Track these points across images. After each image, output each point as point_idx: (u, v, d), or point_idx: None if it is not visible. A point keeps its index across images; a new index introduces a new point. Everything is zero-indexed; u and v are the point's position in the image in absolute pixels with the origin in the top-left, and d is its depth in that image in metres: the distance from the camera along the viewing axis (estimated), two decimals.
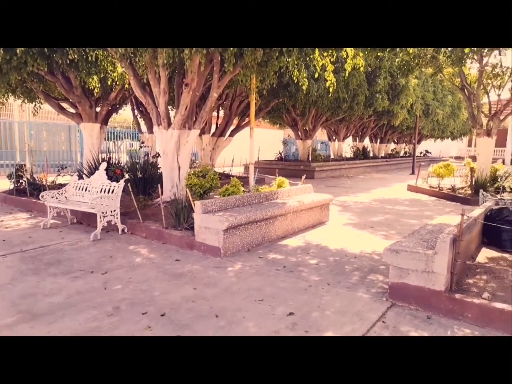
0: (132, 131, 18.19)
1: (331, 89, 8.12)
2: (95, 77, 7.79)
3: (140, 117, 12.85)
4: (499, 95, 10.54)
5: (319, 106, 14.16)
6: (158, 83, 6.66)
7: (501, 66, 10.61)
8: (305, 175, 7.49)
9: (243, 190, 6.93)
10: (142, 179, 7.73)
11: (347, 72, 7.88)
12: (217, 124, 13.90)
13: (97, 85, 8.40)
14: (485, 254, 4.25)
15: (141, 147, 11.28)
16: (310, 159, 17.44)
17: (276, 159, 19.63)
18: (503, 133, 35.51)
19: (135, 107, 12.41)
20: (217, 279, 3.96)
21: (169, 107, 11.91)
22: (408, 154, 31.27)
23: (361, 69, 7.67)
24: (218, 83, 6.92)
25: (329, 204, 7.01)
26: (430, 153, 34.30)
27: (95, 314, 3.15)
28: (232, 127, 14.03)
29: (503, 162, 15.11)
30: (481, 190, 5.63)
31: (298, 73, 7.61)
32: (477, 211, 4.42)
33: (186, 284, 3.82)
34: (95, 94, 9.07)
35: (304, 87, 8.38)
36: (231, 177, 12.12)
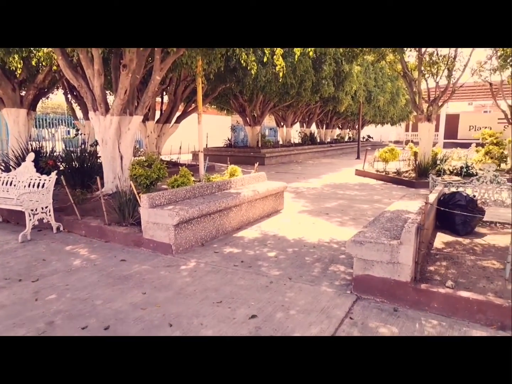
0: (67, 117, 16.70)
1: (280, 74, 7.87)
2: (16, 56, 6.79)
3: (75, 102, 11.71)
4: (437, 82, 10.99)
5: (267, 92, 13.91)
6: (92, 64, 5.94)
7: (437, 54, 11.06)
8: (258, 163, 7.22)
9: (193, 180, 6.51)
10: (79, 170, 6.98)
11: (296, 56, 7.65)
12: (161, 110, 13.14)
13: (19, 66, 7.38)
14: (441, 239, 4.30)
15: (76, 134, 10.28)
16: (259, 146, 17.25)
17: (225, 145, 19.20)
18: (436, 119, 38.18)
19: (68, 91, 11.26)
20: (169, 280, 3.58)
21: (108, 92, 11.02)
22: (352, 139, 32.35)
23: (310, 53, 7.48)
24: (160, 65, 6.35)
25: (283, 192, 6.83)
26: (372, 138, 35.77)
27: (23, 333, 2.65)
28: (178, 113, 13.35)
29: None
30: (431, 174, 5.75)
31: (246, 56, 7.24)
32: (432, 196, 4.44)
33: (133, 288, 3.40)
34: (17, 76, 7.99)
35: (252, 71, 8.04)
36: (179, 166, 11.55)
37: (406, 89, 28.42)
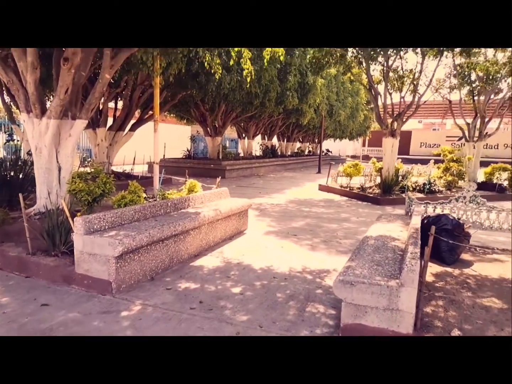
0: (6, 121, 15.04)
1: (248, 79, 7.27)
2: None
3: (12, 102, 10.36)
4: (403, 97, 10.94)
5: (231, 101, 13.30)
6: (25, 55, 4.99)
7: (402, 68, 11.06)
8: (219, 177, 6.51)
9: (145, 197, 5.67)
10: (8, 183, 5.89)
11: (265, 60, 7.08)
12: (114, 116, 12.08)
13: None
14: (428, 270, 3.81)
15: (8, 140, 9.00)
16: (220, 157, 16.52)
17: (184, 157, 18.28)
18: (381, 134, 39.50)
19: (4, 89, 9.93)
20: (104, 336, 2.75)
21: (48, 93, 9.81)
22: (312, 153, 32.52)
23: (281, 57, 6.95)
24: (111, 61, 5.51)
25: (247, 210, 6.16)
26: (331, 152, 36.30)
27: None
28: (133, 121, 12.36)
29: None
30: (407, 194, 5.35)
31: (210, 58, 6.57)
32: (416, 220, 3.96)
33: None
34: None
35: (217, 76, 7.39)
36: (132, 178, 10.57)
37: (365, 105, 29.25)
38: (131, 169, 12.48)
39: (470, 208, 4.94)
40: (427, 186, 10.20)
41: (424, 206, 5.14)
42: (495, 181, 11.87)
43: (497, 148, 34.37)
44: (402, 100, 10.95)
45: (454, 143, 38.30)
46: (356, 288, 2.51)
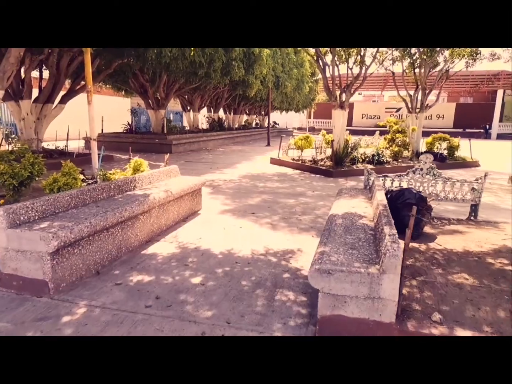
0: None
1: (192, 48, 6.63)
2: None
3: None
4: (351, 68, 10.87)
5: (173, 71, 12.38)
6: None
7: None
8: (168, 154, 5.95)
9: (84, 178, 5.01)
10: None
11: None
12: (40, 87, 10.72)
13: None
14: None
15: None
16: (165, 131, 15.59)
17: (125, 131, 17.03)
18: (325, 106, 40.29)
19: None
20: None
21: None
22: (259, 125, 32.23)
23: None
24: None
25: (201, 189, 5.73)
26: (278, 124, 36.23)
27: None
28: (63, 92, 11.06)
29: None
30: (366, 167, 5.23)
31: None
32: (380, 195, 3.83)
33: None
34: None
35: None
36: (67, 156, 9.57)
37: (310, 76, 29.24)
38: (65, 146, 11.30)
39: (426, 180, 4.96)
40: (376, 157, 10.39)
41: (382, 179, 5.07)
42: (435, 150, 12.47)
43: (431, 118, 36.55)
44: (350, 71, 10.87)
45: (393, 114, 40.17)
46: (334, 277, 2.28)
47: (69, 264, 3.08)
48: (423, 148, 12.91)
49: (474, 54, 11.23)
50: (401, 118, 39.38)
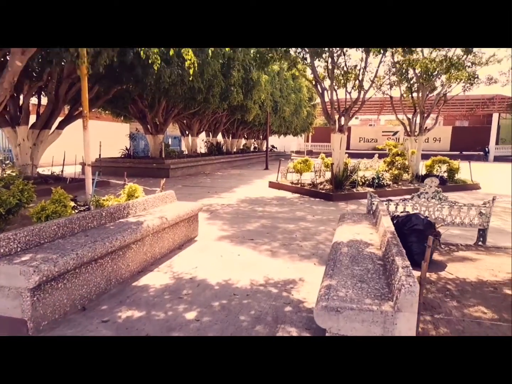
0: None
1: (190, 71, 6.58)
2: None
3: None
4: (349, 92, 10.90)
5: (172, 96, 12.42)
6: None
7: (346, 65, 11.01)
8: (164, 179, 5.78)
9: (75, 205, 4.81)
10: None
11: (208, 53, 6.46)
12: (38, 113, 10.68)
13: None
14: None
15: None
16: (163, 156, 15.51)
17: (122, 156, 16.95)
18: (323, 130, 40.68)
19: None
20: None
21: None
22: (257, 149, 32.34)
23: (227, 49, 6.37)
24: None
25: (197, 214, 5.52)
26: (276, 148, 36.40)
27: None
28: (61, 118, 11.04)
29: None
30: (368, 190, 5.06)
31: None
32: (386, 220, 3.63)
33: None
34: None
35: (155, 67, 6.63)
36: (61, 181, 9.40)
37: (307, 101, 29.60)
38: (61, 171, 11.17)
39: (432, 204, 4.77)
40: (376, 180, 10.25)
41: (386, 204, 4.89)
42: (435, 172, 12.35)
43: (428, 141, 36.80)
44: (348, 95, 10.89)
45: (390, 138, 40.48)
46: (343, 316, 2.04)
47: (52, 300, 2.83)
48: (422, 171, 12.81)
49: (471, 78, 11.30)
50: (399, 141, 39.88)
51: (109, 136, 23.40)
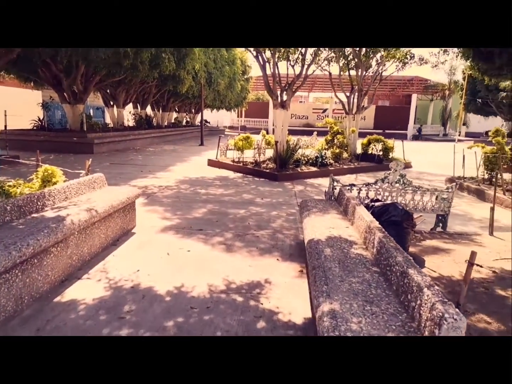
0: None
1: None
2: None
3: None
4: (293, 66, 10.37)
5: (92, 60, 10.77)
6: None
7: None
8: (90, 160, 4.73)
9: None
10: None
11: None
12: None
13: None
14: None
15: None
16: (85, 129, 13.72)
17: (35, 128, 14.72)
18: (265, 105, 40.45)
19: None
20: None
21: None
22: (190, 124, 30.85)
23: None
24: None
25: (134, 202, 4.65)
26: (209, 122, 35.13)
27: None
28: None
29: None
30: (330, 175, 4.63)
31: None
32: (364, 212, 3.20)
33: None
34: None
35: None
36: None
37: (241, 75, 28.69)
38: None
39: (395, 189, 4.51)
40: (320, 159, 10.04)
41: (349, 188, 4.51)
42: (370, 151, 12.58)
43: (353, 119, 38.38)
44: (290, 70, 10.39)
45: (320, 115, 41.55)
46: None
47: None
48: (359, 149, 12.99)
49: (408, 57, 11.48)
50: (344, 119, 41.08)
51: (17, 104, 20.27)
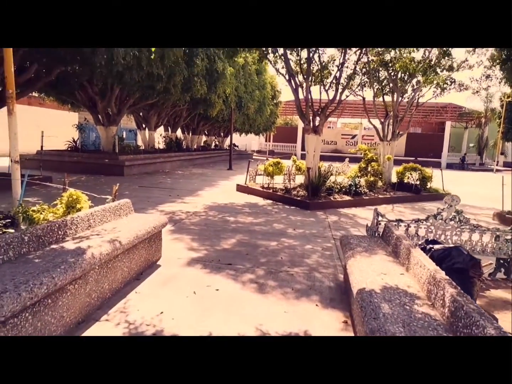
0: None
1: (153, 56, 5.35)
2: None
3: None
4: (326, 90, 10.10)
5: (127, 82, 10.93)
6: None
7: (319, 59, 10.23)
8: (118, 184, 4.52)
9: None
10: None
11: None
12: None
13: None
14: None
15: None
16: (117, 151, 13.89)
17: (69, 149, 15.07)
18: (294, 130, 40.42)
19: None
20: None
21: None
22: (219, 147, 31.10)
23: None
24: None
25: (161, 231, 4.36)
26: (237, 146, 35.33)
27: None
28: None
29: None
30: (375, 209, 4.18)
31: None
32: (423, 257, 2.74)
33: None
34: None
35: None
36: None
37: (271, 99, 28.83)
38: None
39: (450, 227, 3.99)
40: (353, 188, 9.55)
41: (395, 224, 4.04)
42: (406, 180, 11.95)
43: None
44: (322, 94, 10.10)
45: (349, 141, 41.04)
46: None
47: None
48: (393, 178, 12.39)
49: (448, 83, 10.97)
50: (356, 145, 40.33)
51: (55, 126, 21.07)
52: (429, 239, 3.53)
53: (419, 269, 2.66)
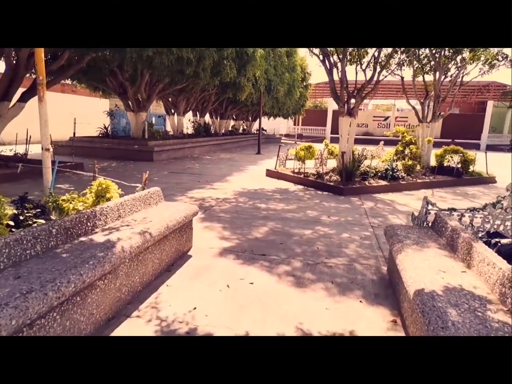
0: None
1: None
2: None
3: None
4: (364, 70, 9.52)
5: (156, 68, 10.78)
6: None
7: None
8: (147, 172, 4.36)
9: (14, 214, 3.38)
10: None
11: None
12: None
13: None
14: None
15: None
16: (146, 136, 13.90)
17: (100, 135, 15.27)
18: (324, 113, 39.37)
19: None
20: None
21: None
22: (247, 131, 30.79)
23: None
24: None
25: (192, 221, 4.18)
26: (266, 130, 34.85)
27: None
28: (23, 89, 9.33)
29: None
30: (424, 197, 3.80)
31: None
32: (489, 253, 2.38)
33: None
34: None
35: None
36: (24, 163, 7.85)
37: (300, 82, 28.03)
38: (26, 150, 9.58)
39: (511, 216, 3.56)
40: (390, 172, 9.04)
41: (448, 213, 3.65)
42: (445, 163, 11.24)
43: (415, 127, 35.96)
44: (359, 74, 9.53)
45: (381, 123, 39.57)
46: None
47: None
48: (432, 161, 11.69)
49: (500, 58, 10.06)
50: (389, 127, 38.81)
51: (87, 112, 21.46)
52: (490, 231, 3.13)
53: (486, 267, 2.32)
